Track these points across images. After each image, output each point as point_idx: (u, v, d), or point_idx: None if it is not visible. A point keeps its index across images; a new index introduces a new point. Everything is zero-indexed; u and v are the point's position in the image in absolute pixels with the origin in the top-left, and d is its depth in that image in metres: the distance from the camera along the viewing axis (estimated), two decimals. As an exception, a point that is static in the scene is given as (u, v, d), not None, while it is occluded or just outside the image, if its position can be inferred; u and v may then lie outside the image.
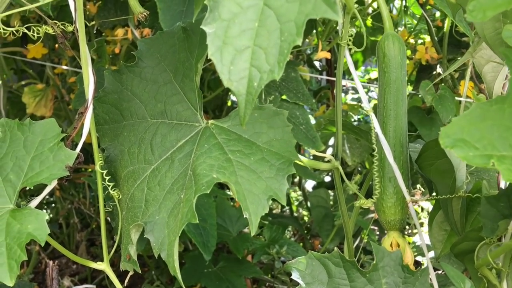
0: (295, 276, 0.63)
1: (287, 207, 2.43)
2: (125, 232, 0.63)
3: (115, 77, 0.67)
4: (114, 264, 1.58)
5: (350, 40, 0.69)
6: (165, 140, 0.63)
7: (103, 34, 1.53)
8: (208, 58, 0.46)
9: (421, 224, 2.30)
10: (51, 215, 2.20)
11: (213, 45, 0.44)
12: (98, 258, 1.95)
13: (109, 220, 0.74)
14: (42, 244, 0.51)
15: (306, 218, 2.50)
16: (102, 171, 0.64)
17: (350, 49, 0.70)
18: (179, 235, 0.53)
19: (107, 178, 0.64)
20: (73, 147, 0.63)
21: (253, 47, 0.43)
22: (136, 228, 0.59)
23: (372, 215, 2.12)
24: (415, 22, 2.05)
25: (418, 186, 1.94)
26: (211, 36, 0.44)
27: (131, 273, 0.65)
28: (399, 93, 0.71)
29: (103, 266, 0.66)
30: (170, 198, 0.58)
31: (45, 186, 0.61)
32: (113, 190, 0.65)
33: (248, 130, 0.60)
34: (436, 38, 1.74)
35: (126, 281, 0.68)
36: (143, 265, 2.07)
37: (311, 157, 0.87)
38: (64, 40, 0.60)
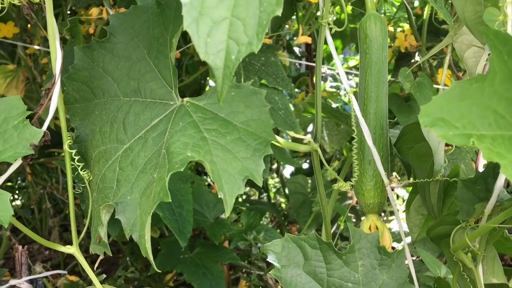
0: (271, 258, 0.62)
1: (265, 194, 2.43)
2: (95, 214, 0.61)
3: (86, 53, 0.64)
4: (88, 251, 1.55)
5: (331, 20, 0.67)
6: (139, 118, 0.61)
7: (77, 13, 1.49)
8: (184, 30, 0.43)
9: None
10: (22, 201, 2.15)
11: (189, 16, 0.42)
12: (71, 244, 1.91)
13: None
14: (5, 226, 0.48)
15: (283, 205, 2.50)
16: (71, 151, 0.61)
17: (330, 29, 0.69)
18: (151, 214, 0.51)
19: (77, 158, 0.62)
20: (41, 126, 0.60)
21: (231, 18, 0.41)
22: (107, 209, 0.57)
23: (349, 201, 2.14)
24: (395, 10, 2.05)
25: (394, 173, 1.95)
26: (186, 7, 0.42)
27: (101, 257, 0.63)
28: (380, 75, 0.70)
29: (72, 249, 0.64)
30: (143, 178, 0.56)
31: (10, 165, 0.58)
32: (83, 171, 0.62)
33: (225, 109, 0.58)
34: (415, 26, 1.74)
35: (97, 265, 0.66)
36: (117, 251, 2.04)
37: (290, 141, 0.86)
38: (30, 11, 0.57)
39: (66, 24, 1.31)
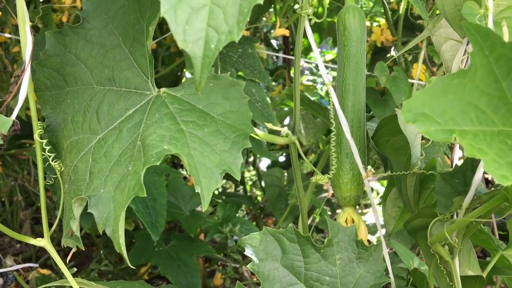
0: (248, 252, 0.61)
1: (241, 187, 2.42)
2: (67, 207, 0.59)
3: (58, 39, 0.61)
4: (61, 244, 1.52)
5: (310, 11, 0.66)
6: (113, 108, 0.59)
7: (50, 1, 1.44)
8: (161, 17, 0.42)
9: (370, 205, 2.35)
10: (-8, 193, 2.09)
11: (166, 2, 0.40)
12: (43, 237, 1.87)
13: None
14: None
15: (259, 198, 2.50)
16: (42, 141, 0.59)
17: (310, 20, 0.68)
18: (125, 209, 0.49)
19: (48, 148, 0.59)
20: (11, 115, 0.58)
21: (211, 6, 0.40)
22: (79, 203, 0.55)
23: (325, 194, 2.15)
24: (372, 4, 2.06)
25: (369, 167, 1.97)
26: (164, -8, 0.40)
27: (74, 250, 0.61)
28: (359, 68, 0.70)
29: (43, 242, 0.62)
30: (117, 170, 0.54)
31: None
32: (54, 162, 0.60)
33: (203, 100, 0.57)
34: (391, 20, 1.75)
35: (69, 258, 0.64)
36: (91, 244, 2.01)
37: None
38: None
39: (39, 12, 1.27)
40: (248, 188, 2.49)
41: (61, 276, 1.35)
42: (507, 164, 0.39)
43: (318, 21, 0.67)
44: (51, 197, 0.68)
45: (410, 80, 1.66)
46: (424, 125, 0.40)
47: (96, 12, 0.61)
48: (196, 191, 0.49)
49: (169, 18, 0.40)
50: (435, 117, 0.41)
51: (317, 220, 1.96)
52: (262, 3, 0.38)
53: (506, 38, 0.59)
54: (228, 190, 2.45)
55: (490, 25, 0.59)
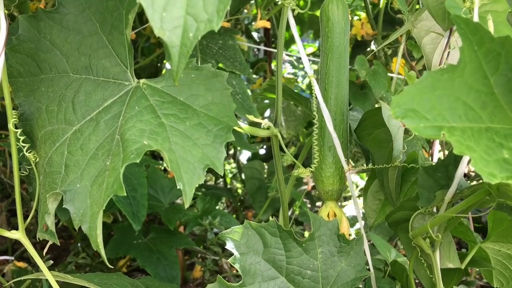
0: (229, 246, 0.60)
1: (221, 179, 2.41)
2: (42, 200, 0.57)
3: (32, 23, 0.59)
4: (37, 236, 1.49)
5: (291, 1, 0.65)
6: (90, 98, 0.56)
7: (27, -12, 1.40)
8: (138, 2, 0.40)
9: (351, 197, 2.36)
10: (-35, 184, 2.03)
11: (143, -13, 0.38)
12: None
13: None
14: None
15: (240, 190, 2.50)
16: (17, 130, 0.57)
17: (293, 11, 0.67)
18: (103, 207, 0.47)
19: (22, 138, 0.57)
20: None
21: (190, -8, 0.39)
22: (54, 197, 0.53)
23: (305, 187, 2.15)
24: (353, -2, 2.06)
25: (349, 160, 1.97)
26: (141, -23, 0.38)
27: (50, 243, 0.59)
28: (342, 60, 0.69)
29: (18, 235, 0.60)
30: (94, 164, 0.52)
31: None
32: (29, 152, 0.58)
33: (184, 92, 0.55)
34: (371, 14, 1.76)
35: (45, 251, 0.62)
36: (68, 236, 1.97)
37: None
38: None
39: (15, 1, 1.23)
40: (228, 180, 2.48)
41: (37, 268, 1.32)
42: (495, 162, 0.39)
43: (301, 11, 0.65)
44: (27, 188, 0.65)
45: (389, 74, 1.67)
46: (413, 121, 0.40)
47: (72, -3, 0.58)
48: (178, 187, 0.48)
49: (145, 4, 0.38)
50: (424, 113, 0.40)
51: (296, 212, 1.96)
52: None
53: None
54: (208, 183, 2.44)
55: (476, 19, 0.59)
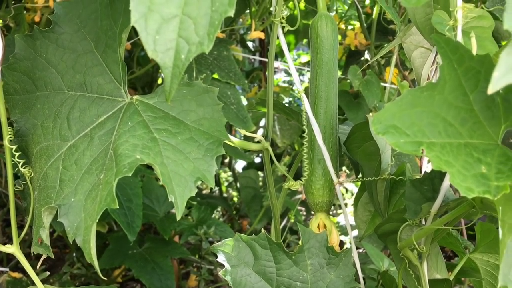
0: (221, 258, 0.62)
1: (216, 188, 2.42)
2: (37, 214, 0.58)
3: (28, 42, 0.60)
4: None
5: (283, 18, 0.67)
6: (84, 115, 0.58)
7: (22, 0, 1.42)
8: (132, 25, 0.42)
9: (346, 205, 2.38)
10: (-40, 194, 2.03)
11: (136, 11, 0.40)
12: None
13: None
14: None
15: (235, 199, 2.50)
16: (12, 146, 0.58)
17: (283, 28, 0.68)
18: (97, 220, 0.48)
19: (17, 154, 0.58)
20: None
21: (182, 16, 0.40)
22: (49, 211, 0.54)
23: (300, 196, 2.16)
24: (346, 8, 2.09)
25: (344, 168, 1.99)
26: (134, 1, 0.40)
27: (44, 256, 0.60)
28: (331, 75, 0.71)
29: (13, 249, 0.61)
30: (88, 179, 0.54)
31: None
32: (24, 168, 0.59)
33: (176, 108, 0.57)
34: (365, 24, 1.78)
35: (40, 263, 0.63)
36: (64, 246, 1.97)
37: (242, 138, 0.86)
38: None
39: (10, 12, 1.25)
40: (223, 189, 2.49)
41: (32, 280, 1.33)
42: (473, 177, 0.40)
43: (291, 29, 0.67)
44: (22, 202, 0.67)
45: (382, 84, 1.69)
46: (393, 137, 0.41)
47: (67, 17, 0.60)
48: (170, 200, 0.49)
49: (139, 28, 0.40)
50: (404, 129, 0.42)
51: (291, 220, 1.97)
52: (233, 15, 0.39)
53: (474, 49, 0.61)
54: (204, 192, 2.45)
55: (459, 36, 0.60)
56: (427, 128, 0.42)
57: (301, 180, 0.71)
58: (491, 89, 0.34)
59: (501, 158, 0.43)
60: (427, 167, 0.76)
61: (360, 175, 0.82)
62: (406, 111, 0.43)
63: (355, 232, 1.59)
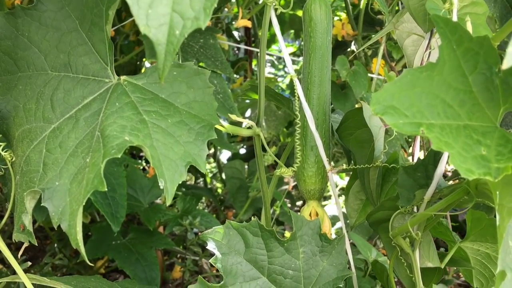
0: (210, 246, 0.60)
1: (201, 179, 2.40)
2: (19, 200, 0.55)
3: (9, 20, 0.57)
4: (12, 237, 1.45)
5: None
6: (69, 96, 0.55)
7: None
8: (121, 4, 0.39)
9: (331, 197, 2.38)
10: None
11: (127, -17, 0.38)
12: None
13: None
14: None
15: (220, 190, 2.49)
16: (-8, 129, 0.55)
17: (276, 10, 0.67)
18: (83, 203, 0.46)
19: (-2, 137, 0.56)
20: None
21: (175, -11, 0.38)
22: (32, 195, 0.52)
23: (286, 187, 2.16)
24: (333, -2, 2.07)
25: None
26: (125, -27, 0.38)
27: (26, 244, 0.57)
28: (324, 60, 0.69)
29: (-7, 238, 0.58)
30: (73, 162, 0.51)
31: None
32: (5, 151, 0.56)
33: (166, 90, 0.54)
34: (352, 15, 1.77)
35: (21, 252, 0.61)
36: (44, 237, 1.93)
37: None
38: None
39: (-11, -5, 1.20)
40: (208, 180, 2.47)
41: (13, 270, 1.29)
42: (473, 158, 0.39)
43: (284, 11, 0.65)
44: (2, 189, 0.64)
45: (369, 75, 1.68)
46: (392, 117, 0.40)
47: (51, -7, 0.57)
48: (159, 184, 0.47)
49: (130, 1, 0.38)
50: (403, 109, 0.41)
51: (277, 212, 1.96)
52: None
53: (470, 34, 0.60)
54: (188, 182, 2.42)
55: (455, 19, 0.59)
56: (426, 109, 0.41)
57: (293, 167, 0.70)
58: (506, 64, 0.32)
59: (501, 140, 0.42)
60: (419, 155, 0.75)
61: (352, 164, 0.81)
62: (405, 91, 0.41)
63: (339, 224, 1.59)
